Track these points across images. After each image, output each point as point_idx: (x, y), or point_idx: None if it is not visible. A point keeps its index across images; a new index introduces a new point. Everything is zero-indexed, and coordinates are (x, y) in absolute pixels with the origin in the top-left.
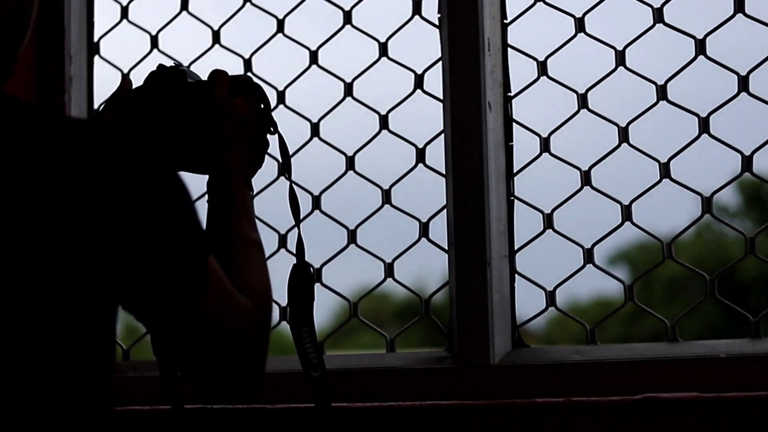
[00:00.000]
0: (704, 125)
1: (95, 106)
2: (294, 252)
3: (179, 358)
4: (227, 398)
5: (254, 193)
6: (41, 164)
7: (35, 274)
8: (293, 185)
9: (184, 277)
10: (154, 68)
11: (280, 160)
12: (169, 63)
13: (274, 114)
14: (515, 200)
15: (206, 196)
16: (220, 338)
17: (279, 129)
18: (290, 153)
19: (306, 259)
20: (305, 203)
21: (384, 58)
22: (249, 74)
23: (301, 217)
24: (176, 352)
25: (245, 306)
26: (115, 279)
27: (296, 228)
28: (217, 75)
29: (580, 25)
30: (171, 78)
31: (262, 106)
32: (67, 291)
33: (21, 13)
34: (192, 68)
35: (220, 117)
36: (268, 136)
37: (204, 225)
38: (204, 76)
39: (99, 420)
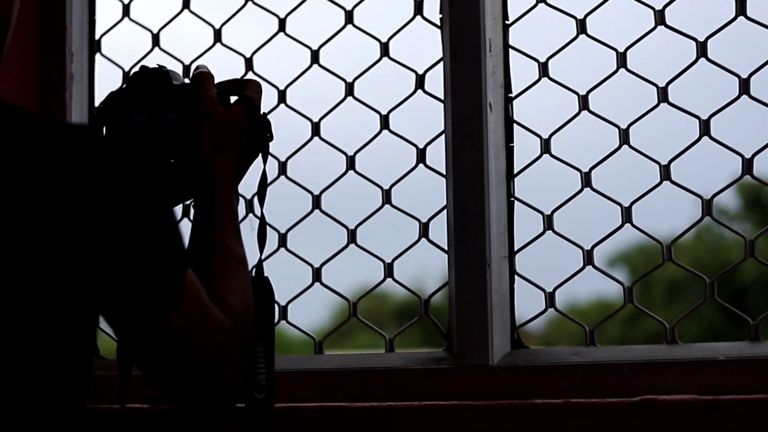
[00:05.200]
0: (705, 127)
1: (96, 104)
2: (256, 266)
3: (146, 368)
4: (197, 411)
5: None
6: (16, 169)
7: (11, 278)
8: (264, 217)
9: (157, 290)
10: (137, 69)
11: (257, 187)
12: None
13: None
14: (515, 201)
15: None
16: (193, 353)
17: (269, 151)
18: (267, 183)
19: (265, 273)
20: (305, 202)
21: (385, 58)
22: (251, 77)
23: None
24: (144, 362)
25: (223, 323)
26: (92, 286)
27: (259, 248)
28: (203, 77)
29: (581, 26)
30: (154, 80)
31: (259, 120)
32: (45, 296)
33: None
34: (193, 67)
35: (212, 120)
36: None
37: (186, 237)
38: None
39: (71, 418)
